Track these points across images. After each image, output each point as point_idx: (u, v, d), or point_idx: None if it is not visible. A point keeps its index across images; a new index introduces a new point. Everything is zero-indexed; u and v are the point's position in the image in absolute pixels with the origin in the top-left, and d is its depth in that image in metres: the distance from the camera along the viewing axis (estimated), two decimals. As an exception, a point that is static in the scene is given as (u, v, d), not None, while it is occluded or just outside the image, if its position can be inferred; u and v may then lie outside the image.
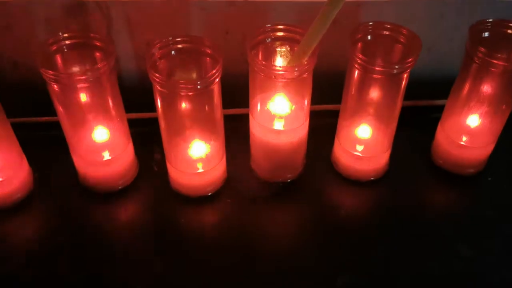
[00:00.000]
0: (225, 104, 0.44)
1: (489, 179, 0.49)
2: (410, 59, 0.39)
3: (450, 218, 0.47)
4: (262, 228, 0.46)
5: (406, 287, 0.41)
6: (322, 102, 0.53)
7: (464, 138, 0.48)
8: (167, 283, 0.41)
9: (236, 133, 0.49)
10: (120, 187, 0.48)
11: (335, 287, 0.41)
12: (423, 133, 0.52)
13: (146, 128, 0.52)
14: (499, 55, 0.41)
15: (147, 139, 0.51)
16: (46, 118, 0.53)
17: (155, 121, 0.45)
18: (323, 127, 0.50)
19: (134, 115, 0.53)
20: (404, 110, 0.46)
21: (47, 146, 0.51)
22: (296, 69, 0.40)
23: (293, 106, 0.44)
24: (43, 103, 0.48)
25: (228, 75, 0.44)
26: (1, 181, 0.45)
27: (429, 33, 0.55)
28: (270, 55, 0.44)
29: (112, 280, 0.41)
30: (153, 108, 0.43)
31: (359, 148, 0.47)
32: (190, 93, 0.39)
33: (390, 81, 0.42)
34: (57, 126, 0.46)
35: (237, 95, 0.49)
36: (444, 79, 0.53)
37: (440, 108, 0.51)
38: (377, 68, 0.40)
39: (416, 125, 0.54)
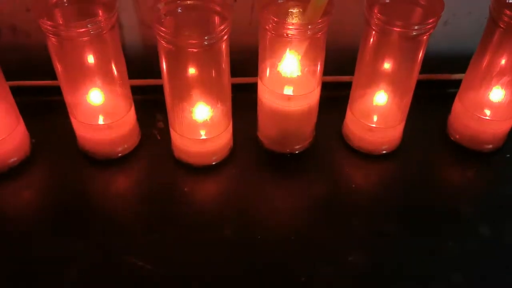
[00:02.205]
0: (232, 75, 0.42)
1: (508, 155, 0.47)
2: (431, 20, 0.37)
3: (465, 195, 0.44)
4: (267, 200, 0.43)
5: (415, 261, 0.39)
6: (333, 74, 0.51)
7: (485, 112, 0.45)
8: (167, 251, 0.39)
9: (242, 104, 0.46)
10: (119, 154, 0.46)
11: (345, 262, 0.39)
12: (439, 108, 0.50)
13: (149, 96, 0.50)
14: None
15: (150, 108, 0.49)
16: (45, 82, 0.51)
17: (158, 89, 0.43)
18: (333, 99, 0.48)
19: (137, 82, 0.50)
20: (419, 84, 0.44)
21: (46, 112, 0.49)
22: (309, 27, 0.38)
23: (305, 69, 0.42)
24: (42, 69, 0.46)
25: (236, 45, 0.42)
26: (-5, 142, 0.43)
27: (446, 6, 0.53)
28: (281, 17, 0.42)
29: (108, 246, 0.39)
30: (157, 76, 0.41)
31: (373, 118, 0.45)
32: (196, 50, 0.37)
33: (408, 46, 0.40)
34: (57, 91, 0.44)
35: (245, 67, 0.47)
36: (461, 54, 0.51)
37: (457, 83, 0.48)
38: (395, 29, 0.37)
39: (431, 99, 0.52)
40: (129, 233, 0.41)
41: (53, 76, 0.42)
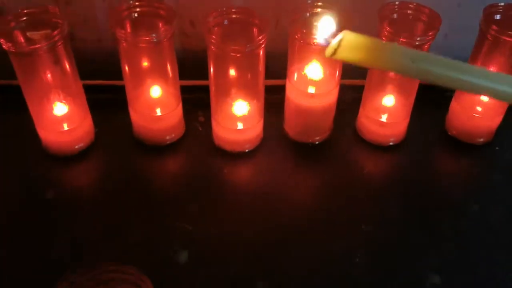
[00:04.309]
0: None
1: (497, 148, 0.55)
2: (431, 32, 0.46)
3: (460, 180, 0.53)
4: (292, 181, 0.52)
5: (417, 234, 0.47)
6: (349, 78, 0.59)
7: (477, 110, 0.54)
8: (209, 218, 0.48)
9: (270, 103, 0.55)
10: (168, 142, 0.55)
11: (359, 233, 0.47)
12: (438, 108, 0.58)
13: (191, 95, 0.58)
14: (510, 32, 0.47)
15: (192, 105, 0.57)
16: (106, 81, 0.60)
17: (199, 89, 0.52)
18: (348, 100, 0.57)
19: (183, 82, 0.57)
20: (422, 88, 0.53)
21: (107, 107, 0.57)
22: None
23: (327, 71, 0.50)
24: (101, 72, 0.56)
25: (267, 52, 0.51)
26: (69, 129, 0.52)
27: (446, 21, 0.61)
28: (308, 28, 0.50)
29: (163, 214, 0.48)
30: (192, 78, 0.49)
31: (382, 115, 0.54)
32: (239, 55, 0.46)
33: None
34: (117, 89, 0.54)
35: (273, 70, 0.55)
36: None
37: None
38: (401, 39, 0.46)
39: (432, 101, 0.59)
40: (178, 205, 0.49)
41: (112, 78, 0.51)
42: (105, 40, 0.61)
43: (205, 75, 0.52)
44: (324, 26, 0.30)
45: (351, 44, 0.27)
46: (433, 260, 0.45)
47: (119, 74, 0.51)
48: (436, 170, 0.54)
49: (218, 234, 0.47)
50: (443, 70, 0.27)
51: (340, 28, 0.28)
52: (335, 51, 0.27)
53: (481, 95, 0.38)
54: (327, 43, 0.28)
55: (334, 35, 0.27)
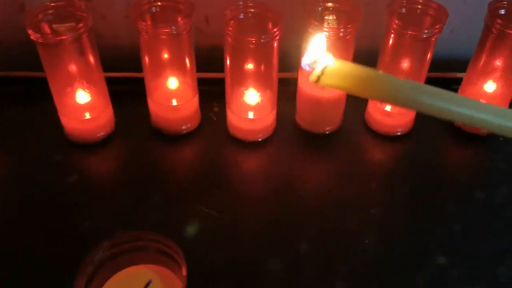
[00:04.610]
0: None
1: (501, 139, 0.57)
2: (438, 26, 0.48)
3: (465, 167, 0.55)
4: (304, 169, 0.54)
5: (424, 218, 0.49)
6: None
7: (481, 102, 0.55)
8: (225, 202, 0.50)
9: (283, 94, 0.57)
10: (184, 132, 0.57)
11: (369, 216, 0.49)
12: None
13: (206, 87, 0.60)
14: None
15: (208, 97, 0.59)
16: (125, 74, 0.62)
17: (214, 82, 0.54)
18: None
19: (199, 75, 0.59)
20: (429, 81, 0.55)
21: (127, 97, 0.60)
22: (342, 30, 0.48)
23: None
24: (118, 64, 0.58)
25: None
26: (90, 118, 0.54)
27: (452, 16, 0.63)
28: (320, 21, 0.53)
29: (182, 199, 0.50)
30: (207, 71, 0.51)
31: (389, 106, 0.56)
32: (254, 46, 0.48)
33: (419, 47, 0.51)
34: (135, 82, 0.56)
35: (286, 63, 0.57)
36: (463, 56, 0.61)
37: (459, 80, 0.59)
38: (410, 32, 0.48)
39: None
40: (196, 190, 0.51)
41: (132, 70, 0.53)
42: (120, 36, 0.64)
43: (215, 69, 0.55)
44: (310, 50, 0.28)
45: (334, 72, 0.26)
46: (440, 242, 0.47)
47: (135, 69, 0.54)
48: (442, 158, 0.56)
49: (233, 217, 0.49)
50: (430, 99, 0.27)
51: (326, 53, 0.27)
52: (318, 78, 0.26)
53: (477, 127, 0.36)
54: (311, 69, 0.27)
55: (320, 60, 0.27)
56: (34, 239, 0.47)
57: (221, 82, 0.55)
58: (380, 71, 0.27)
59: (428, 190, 0.52)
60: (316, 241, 0.47)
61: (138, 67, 0.55)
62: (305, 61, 0.28)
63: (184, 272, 0.29)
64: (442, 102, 0.27)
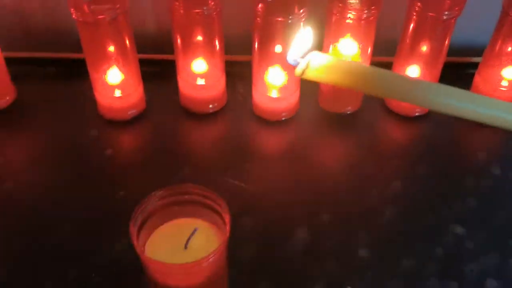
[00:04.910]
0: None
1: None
2: (457, 8, 0.50)
3: (481, 145, 0.57)
4: (325, 148, 0.57)
5: (442, 191, 0.52)
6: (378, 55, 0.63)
7: (502, 84, 0.58)
8: (251, 175, 0.53)
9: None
10: (211, 110, 0.60)
11: (388, 190, 0.52)
12: (462, 83, 0.62)
13: (232, 69, 0.62)
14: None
15: (234, 77, 0.62)
16: (157, 56, 0.65)
17: (240, 64, 0.58)
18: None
19: (227, 57, 0.62)
20: (447, 65, 0.57)
21: (157, 78, 0.63)
22: (365, 11, 0.51)
23: (360, 45, 0.55)
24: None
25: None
26: (122, 96, 0.57)
27: (470, 2, 0.66)
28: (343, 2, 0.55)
29: (211, 172, 0.53)
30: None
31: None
32: (281, 26, 0.51)
33: (439, 30, 0.53)
34: (166, 64, 0.60)
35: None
36: (479, 42, 0.63)
37: (475, 65, 0.61)
38: (430, 14, 0.50)
39: (457, 77, 0.63)
40: (224, 164, 0.54)
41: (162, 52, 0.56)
42: (148, 23, 0.66)
43: (241, 52, 0.58)
44: (296, 45, 0.29)
45: (318, 66, 0.27)
46: (457, 215, 0.49)
47: (161, 51, 0.56)
48: (460, 136, 0.58)
49: (259, 189, 0.52)
50: (409, 87, 0.29)
51: (311, 48, 0.29)
52: (303, 72, 0.28)
53: (432, 109, 0.35)
54: (296, 64, 0.28)
55: (305, 54, 0.28)
56: (74, 206, 0.50)
57: (248, 64, 0.58)
58: (363, 64, 0.29)
59: (446, 166, 0.55)
60: (339, 212, 0.50)
61: (165, 50, 0.58)
62: (291, 55, 0.29)
63: (227, 225, 0.31)
64: (412, 88, 0.29)
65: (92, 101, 0.59)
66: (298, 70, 0.28)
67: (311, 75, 0.28)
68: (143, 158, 0.56)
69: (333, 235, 0.48)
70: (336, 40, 0.56)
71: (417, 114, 0.59)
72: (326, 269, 0.45)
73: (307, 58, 0.28)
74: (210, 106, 0.60)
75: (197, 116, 0.60)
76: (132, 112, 0.59)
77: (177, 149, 0.56)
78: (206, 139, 0.59)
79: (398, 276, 0.45)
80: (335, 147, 0.57)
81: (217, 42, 0.56)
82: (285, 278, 0.44)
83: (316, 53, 0.28)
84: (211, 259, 0.31)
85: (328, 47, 0.57)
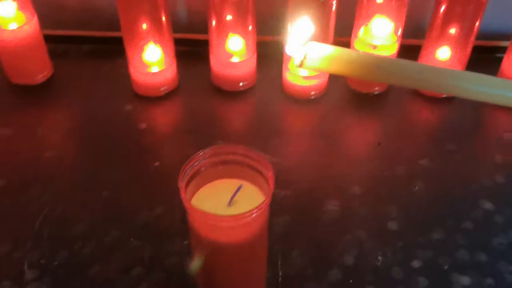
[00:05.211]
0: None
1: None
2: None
3: (509, 127, 0.57)
4: (354, 126, 0.58)
5: (471, 168, 0.53)
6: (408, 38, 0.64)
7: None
8: (282, 151, 0.54)
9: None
10: (242, 88, 0.61)
11: (417, 166, 0.53)
12: (490, 66, 0.63)
13: (263, 49, 0.63)
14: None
15: (264, 57, 0.63)
16: (188, 35, 0.67)
17: (271, 45, 0.60)
18: (407, 54, 0.62)
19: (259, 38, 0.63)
20: (476, 48, 0.58)
21: (190, 57, 0.64)
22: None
23: (390, 27, 0.56)
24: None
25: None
26: (157, 72, 0.59)
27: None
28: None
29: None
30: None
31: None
32: (313, 5, 0.52)
33: (470, 12, 0.54)
34: (199, 43, 0.62)
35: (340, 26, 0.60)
36: (509, 27, 0.65)
37: (503, 49, 0.62)
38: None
39: (483, 60, 0.64)
40: (254, 138, 0.56)
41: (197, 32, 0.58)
42: (179, 3, 0.68)
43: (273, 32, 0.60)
44: (294, 36, 0.29)
45: (316, 56, 0.27)
46: (485, 188, 0.50)
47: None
48: (488, 116, 0.59)
49: (291, 163, 0.53)
50: (408, 72, 0.29)
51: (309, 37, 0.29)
52: (301, 63, 0.28)
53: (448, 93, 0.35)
54: (295, 54, 0.28)
55: (303, 45, 0.28)
56: (112, 175, 0.51)
57: (278, 45, 0.59)
58: (360, 51, 0.30)
59: (474, 145, 0.56)
60: (368, 186, 0.51)
61: (196, 30, 0.59)
62: (289, 46, 0.29)
63: (271, 186, 0.32)
64: (415, 73, 0.29)
65: (125, 78, 0.61)
66: (296, 61, 0.28)
67: (310, 66, 0.28)
68: (176, 132, 0.58)
69: (362, 208, 0.49)
70: (367, 20, 0.57)
71: (444, 96, 0.60)
72: (357, 240, 0.46)
73: (305, 49, 0.28)
74: (241, 84, 0.61)
75: (227, 93, 0.61)
76: (164, 89, 0.61)
77: (208, 124, 0.58)
78: (236, 115, 0.60)
79: (428, 247, 0.46)
80: (363, 125, 0.59)
81: (250, 22, 0.57)
82: (318, 247, 0.46)
83: (314, 43, 0.28)
84: (254, 215, 0.32)
85: (359, 28, 0.58)
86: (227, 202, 0.34)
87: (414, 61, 0.30)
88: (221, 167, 0.34)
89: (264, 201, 0.32)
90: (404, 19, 0.57)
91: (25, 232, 0.46)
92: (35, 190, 0.50)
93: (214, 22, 0.57)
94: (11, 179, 0.51)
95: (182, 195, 0.32)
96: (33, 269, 0.43)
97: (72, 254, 0.44)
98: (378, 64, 0.29)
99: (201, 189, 0.35)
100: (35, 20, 0.59)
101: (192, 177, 0.34)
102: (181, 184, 0.32)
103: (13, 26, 0.57)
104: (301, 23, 0.30)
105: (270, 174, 0.33)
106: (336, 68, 0.28)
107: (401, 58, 0.30)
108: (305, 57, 0.28)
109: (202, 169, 0.34)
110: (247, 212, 0.31)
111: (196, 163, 0.33)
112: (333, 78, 0.61)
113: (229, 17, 0.57)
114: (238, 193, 0.34)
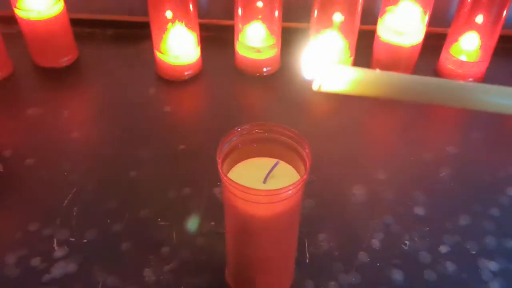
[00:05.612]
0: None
1: None
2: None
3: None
4: (379, 113, 0.58)
5: (497, 155, 0.52)
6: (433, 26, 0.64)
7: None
8: (302, 128, 0.53)
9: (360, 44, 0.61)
10: (265, 74, 0.61)
11: (444, 151, 0.52)
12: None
13: (290, 37, 0.64)
14: None
15: (292, 44, 0.63)
16: (214, 20, 0.67)
17: (296, 32, 0.59)
18: (430, 45, 0.62)
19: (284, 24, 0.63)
20: (503, 38, 0.58)
21: (214, 42, 0.65)
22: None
23: (417, 12, 0.56)
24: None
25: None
26: (181, 56, 0.59)
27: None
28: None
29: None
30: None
31: (463, 57, 0.59)
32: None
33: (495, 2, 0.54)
34: (224, 28, 0.62)
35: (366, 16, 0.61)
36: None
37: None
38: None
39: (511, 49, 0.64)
40: (277, 122, 0.55)
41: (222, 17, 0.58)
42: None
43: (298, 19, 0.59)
44: (311, 60, 0.28)
45: (334, 79, 0.27)
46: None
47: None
48: None
49: (317, 147, 0.53)
50: (429, 91, 0.27)
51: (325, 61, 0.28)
52: (320, 86, 0.27)
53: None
54: (313, 79, 0.27)
55: (320, 69, 0.27)
56: (138, 156, 0.52)
57: (302, 31, 0.59)
58: (378, 70, 0.28)
59: (499, 133, 0.56)
60: (395, 172, 0.51)
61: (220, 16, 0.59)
62: (306, 70, 0.28)
63: (308, 165, 0.32)
64: (436, 91, 0.27)
65: (149, 62, 0.61)
66: (315, 85, 0.27)
67: (328, 88, 0.27)
68: (200, 116, 0.58)
69: (389, 194, 0.49)
70: (394, 3, 0.57)
71: (471, 79, 0.60)
72: (383, 224, 0.46)
73: (323, 73, 0.27)
74: (264, 69, 0.61)
75: (251, 78, 0.61)
76: (189, 73, 0.61)
77: (232, 108, 0.58)
78: (259, 99, 0.61)
79: (455, 232, 0.46)
80: (387, 112, 0.59)
81: (276, 9, 0.57)
82: (344, 231, 0.46)
83: (330, 66, 0.27)
84: (290, 191, 0.32)
85: (384, 12, 0.58)
86: (261, 180, 0.34)
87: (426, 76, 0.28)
88: (256, 145, 0.34)
89: (300, 178, 0.32)
90: (432, 4, 0.56)
91: (54, 210, 0.46)
92: (63, 169, 0.50)
93: (240, 8, 0.57)
94: (40, 158, 0.51)
95: (220, 169, 0.32)
96: (62, 246, 0.44)
97: (100, 232, 0.45)
98: (402, 85, 0.27)
99: (237, 165, 0.35)
100: (61, 4, 0.59)
101: (227, 155, 0.34)
102: (219, 158, 0.32)
103: (40, 9, 0.58)
104: (316, 46, 0.28)
105: (307, 151, 0.33)
106: (355, 90, 0.27)
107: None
108: (323, 81, 0.27)
109: (239, 145, 0.34)
110: (283, 188, 0.31)
111: (234, 138, 0.33)
112: (358, 65, 0.61)
113: (255, 4, 0.57)
114: (273, 172, 0.34)
